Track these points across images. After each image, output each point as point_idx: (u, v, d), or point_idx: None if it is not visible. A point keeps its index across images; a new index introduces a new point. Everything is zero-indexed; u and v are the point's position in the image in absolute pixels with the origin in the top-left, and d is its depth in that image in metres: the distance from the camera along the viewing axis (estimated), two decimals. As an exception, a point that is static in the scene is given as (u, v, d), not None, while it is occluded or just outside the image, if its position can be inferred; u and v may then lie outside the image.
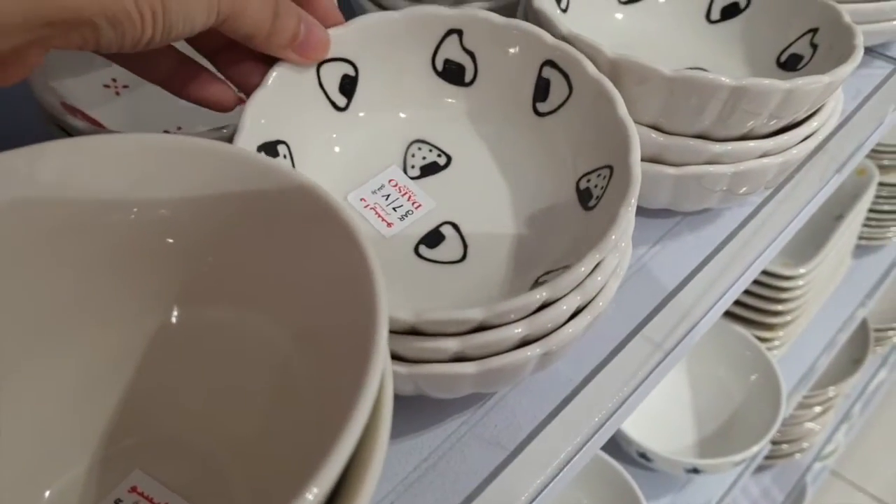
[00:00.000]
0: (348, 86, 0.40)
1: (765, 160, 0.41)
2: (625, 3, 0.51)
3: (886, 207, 1.12)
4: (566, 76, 0.39)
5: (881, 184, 1.07)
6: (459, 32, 0.40)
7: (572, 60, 0.38)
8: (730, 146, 0.40)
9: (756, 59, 0.48)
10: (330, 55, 0.39)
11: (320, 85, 0.38)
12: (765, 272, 0.87)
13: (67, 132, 0.42)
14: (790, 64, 0.47)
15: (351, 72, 0.40)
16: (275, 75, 0.36)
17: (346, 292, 0.25)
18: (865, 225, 1.12)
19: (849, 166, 0.53)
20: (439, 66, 0.41)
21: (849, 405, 1.37)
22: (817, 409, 1.21)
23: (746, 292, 0.91)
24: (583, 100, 0.38)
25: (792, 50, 0.47)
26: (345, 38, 0.39)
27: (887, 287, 1.25)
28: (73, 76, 0.48)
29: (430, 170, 0.40)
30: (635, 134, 0.35)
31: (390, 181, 0.39)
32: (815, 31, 0.46)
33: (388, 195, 0.38)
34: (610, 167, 0.36)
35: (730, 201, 0.44)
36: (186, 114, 0.48)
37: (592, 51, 0.39)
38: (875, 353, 1.36)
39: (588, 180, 0.37)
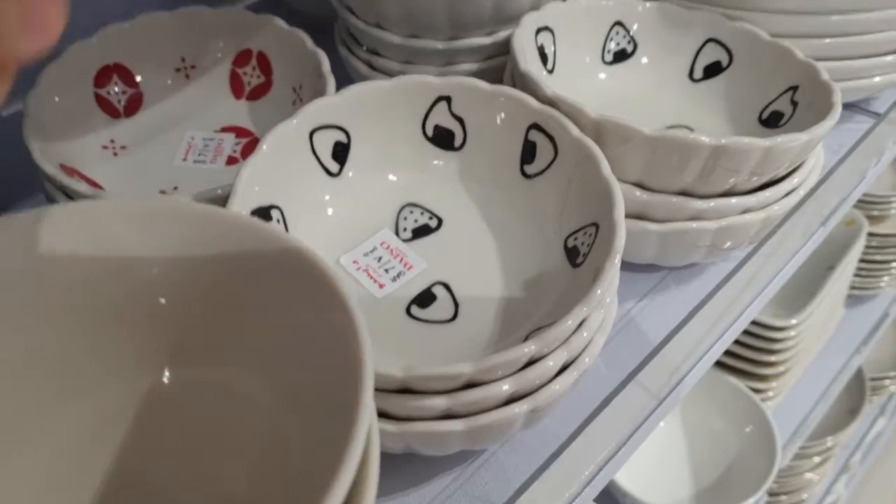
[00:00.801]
0: (341, 152, 0.41)
1: (747, 216, 0.41)
2: (609, 63, 0.53)
3: (878, 257, 1.13)
4: (551, 139, 0.40)
5: (871, 234, 1.08)
6: (448, 99, 0.42)
7: (557, 123, 0.39)
8: (712, 203, 0.40)
9: (739, 117, 0.50)
10: (323, 122, 0.40)
11: (313, 151, 0.40)
12: (757, 323, 0.88)
13: (66, 193, 0.43)
14: (772, 121, 0.48)
15: (343, 138, 0.41)
16: (268, 142, 0.37)
17: (334, 352, 0.25)
18: (857, 275, 1.13)
19: (832, 220, 0.54)
20: (429, 132, 0.42)
21: (847, 455, 1.37)
22: (816, 459, 1.20)
23: (740, 343, 0.91)
24: (568, 161, 0.39)
25: (773, 107, 0.48)
26: (338, 106, 0.40)
27: (882, 336, 1.25)
28: (71, 139, 0.49)
29: (421, 232, 0.41)
30: (619, 192, 0.36)
31: (382, 244, 0.40)
32: (795, 88, 0.47)
33: (381, 257, 0.39)
34: (595, 225, 0.37)
35: (715, 256, 0.45)
36: (182, 174, 0.50)
37: (576, 112, 0.40)
38: (872, 402, 1.36)
39: (575, 238, 0.38)
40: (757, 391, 0.93)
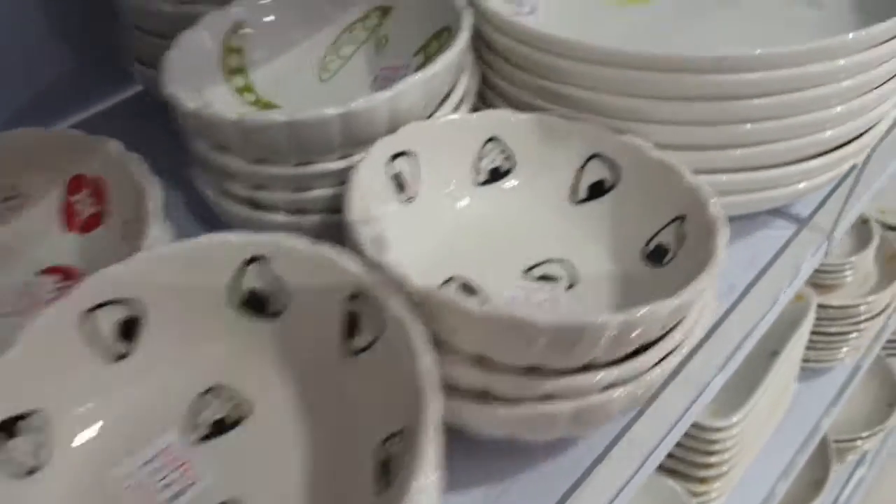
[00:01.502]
0: (129, 331, 0.35)
1: (614, 392, 0.35)
2: (481, 184, 0.47)
3: (833, 329, 1.06)
4: (373, 312, 0.34)
5: (822, 306, 1.01)
6: (263, 259, 0.36)
7: (378, 295, 0.33)
8: (568, 379, 0.34)
9: (621, 248, 0.44)
10: (105, 297, 0.34)
11: (89, 336, 0.33)
12: (693, 424, 0.81)
13: None
14: (656, 255, 0.42)
15: (132, 314, 0.35)
16: (22, 339, 0.31)
17: None
18: (811, 348, 1.05)
19: (732, 364, 0.47)
20: (242, 298, 0.36)
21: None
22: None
23: (677, 445, 0.84)
24: (391, 341, 0.33)
25: (659, 238, 0.43)
26: (124, 275, 0.34)
27: (846, 401, 1.18)
28: None
29: (219, 428, 0.34)
30: (435, 398, 0.30)
31: (166, 449, 0.33)
32: (682, 218, 0.42)
33: (159, 469, 0.32)
34: (404, 432, 0.30)
35: (581, 431, 0.38)
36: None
37: (402, 281, 0.34)
38: (845, 461, 1.29)
39: (390, 445, 0.32)
40: (697, 494, 0.86)
